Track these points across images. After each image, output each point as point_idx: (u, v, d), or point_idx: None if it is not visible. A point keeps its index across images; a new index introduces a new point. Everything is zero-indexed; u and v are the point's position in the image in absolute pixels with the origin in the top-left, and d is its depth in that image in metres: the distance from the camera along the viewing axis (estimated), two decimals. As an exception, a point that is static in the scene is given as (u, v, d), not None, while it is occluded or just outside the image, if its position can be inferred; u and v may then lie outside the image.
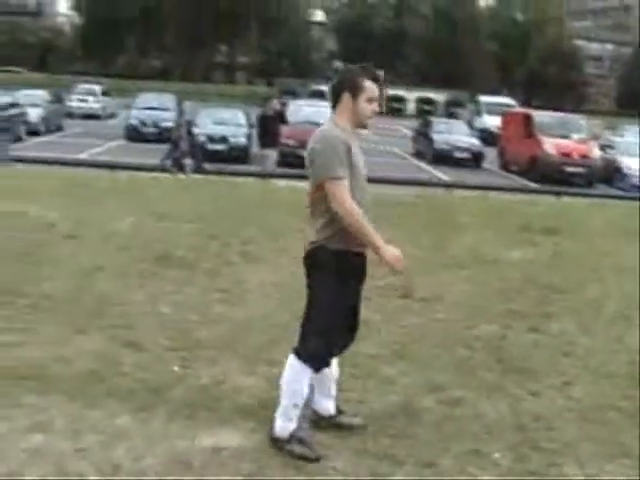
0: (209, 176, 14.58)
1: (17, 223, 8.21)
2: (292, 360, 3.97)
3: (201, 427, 4.19)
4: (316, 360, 3.96)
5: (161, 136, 25.06)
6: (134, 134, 28.01)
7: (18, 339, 5.34)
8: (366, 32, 73.11)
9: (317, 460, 3.91)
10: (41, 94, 30.44)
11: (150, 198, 10.02)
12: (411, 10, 73.18)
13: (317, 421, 4.29)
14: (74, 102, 38.28)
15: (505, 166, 25.98)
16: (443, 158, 25.60)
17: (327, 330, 3.92)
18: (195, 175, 15.18)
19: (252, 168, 18.88)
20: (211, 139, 23.32)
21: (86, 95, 39.07)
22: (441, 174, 22.94)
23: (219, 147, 23.12)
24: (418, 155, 28.11)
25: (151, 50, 74.24)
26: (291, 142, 22.42)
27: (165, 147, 19.36)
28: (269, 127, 16.75)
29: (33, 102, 28.21)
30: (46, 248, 7.50)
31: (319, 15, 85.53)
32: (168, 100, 31.25)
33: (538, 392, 4.98)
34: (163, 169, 15.64)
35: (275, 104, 17.09)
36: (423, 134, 28.34)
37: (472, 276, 7.38)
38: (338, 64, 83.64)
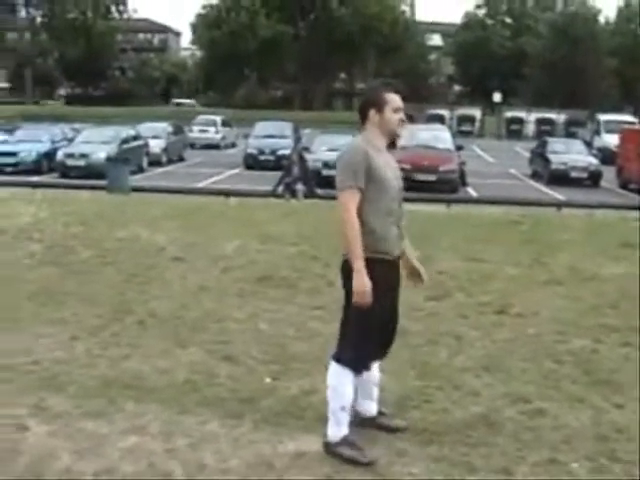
0: (321, 201, 14.88)
1: (129, 247, 8.73)
2: (333, 366, 4.16)
3: (286, 434, 4.41)
4: (355, 364, 4.13)
5: (278, 163, 25.65)
6: (252, 162, 28.86)
7: (124, 352, 5.73)
8: (484, 54, 72.63)
9: (368, 464, 4.04)
10: (163, 126, 31.77)
11: (257, 222, 10.40)
12: (529, 30, 72.17)
13: (360, 422, 4.43)
14: (195, 133, 39.70)
15: (623, 185, 25.29)
16: (560, 178, 25.18)
17: (364, 335, 4.08)
18: (307, 200, 15.53)
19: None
20: (326, 165, 23.75)
21: (206, 126, 40.45)
22: (556, 194, 22.56)
23: (334, 173, 23.40)
24: (535, 176, 27.75)
25: (271, 80, 76.04)
26: (406, 166, 22.64)
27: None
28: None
29: (155, 134, 29.57)
30: (155, 270, 7.94)
31: (436, 39, 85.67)
32: (286, 128, 32.02)
33: (623, 404, 4.94)
34: (275, 195, 16.08)
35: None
36: (539, 154, 27.97)
37: (568, 292, 7.34)
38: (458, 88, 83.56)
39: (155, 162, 28.56)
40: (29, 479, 3.91)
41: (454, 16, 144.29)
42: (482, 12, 78.71)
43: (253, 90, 71.20)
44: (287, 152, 28.25)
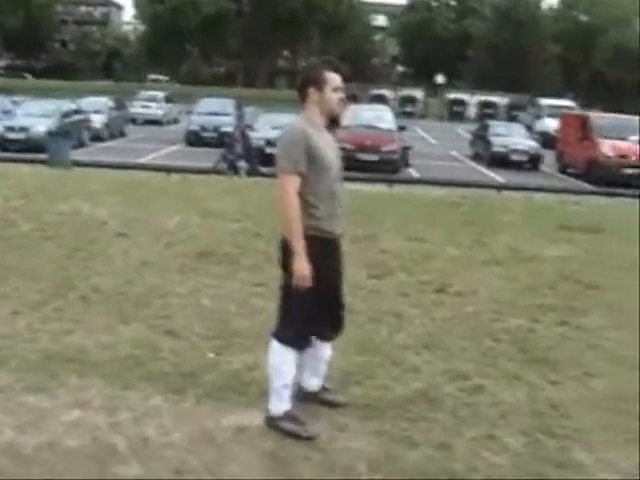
0: (264, 179, 14.85)
1: (71, 221, 8.62)
2: (274, 344, 4.19)
3: (228, 409, 4.45)
4: (296, 341, 4.17)
5: (221, 140, 25.48)
6: (194, 139, 28.63)
7: (66, 327, 5.69)
8: (428, 36, 73.03)
9: (309, 438, 4.11)
10: (104, 101, 31.31)
11: (199, 198, 10.37)
12: (474, 12, 72.77)
13: (303, 397, 4.51)
14: (137, 108, 39.23)
15: (563, 169, 25.78)
16: (500, 161, 25.54)
17: (304, 314, 4.11)
18: (249, 178, 15.48)
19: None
20: (269, 143, 23.72)
21: (149, 102, 39.98)
22: (497, 176, 22.91)
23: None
24: (476, 158, 28.08)
25: (214, 56, 75.34)
26: (348, 146, 22.71)
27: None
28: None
29: (96, 109, 29.10)
30: (97, 245, 7.87)
31: (381, 20, 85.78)
32: (229, 105, 31.83)
33: (559, 382, 5.11)
34: (217, 172, 15.99)
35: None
36: (481, 137, 28.31)
37: (507, 272, 7.51)
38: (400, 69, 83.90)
39: (96, 137, 28.11)
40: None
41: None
42: (427, -7, 79.03)
43: (196, 66, 70.48)
44: (229, 129, 28.23)
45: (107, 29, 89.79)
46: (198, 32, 65.34)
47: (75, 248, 7.75)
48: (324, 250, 4.09)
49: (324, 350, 4.45)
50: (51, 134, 18.29)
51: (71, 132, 23.20)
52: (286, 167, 3.99)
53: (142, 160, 21.99)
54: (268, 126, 24.94)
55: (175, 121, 39.76)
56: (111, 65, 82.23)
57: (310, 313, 4.12)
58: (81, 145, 25.59)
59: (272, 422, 4.21)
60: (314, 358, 4.44)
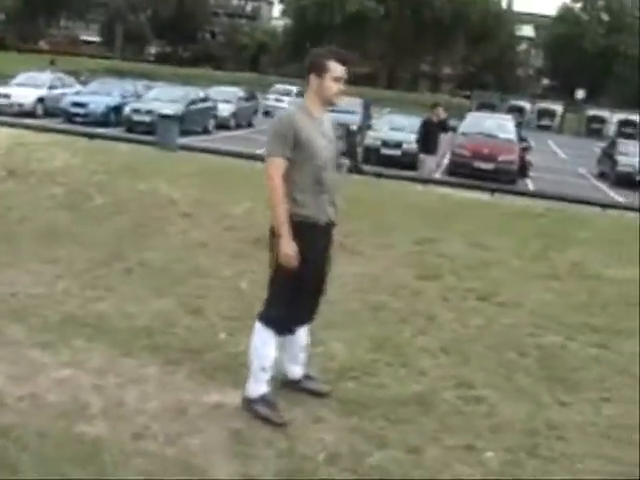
0: (360, 177, 14.84)
1: (143, 199, 8.92)
2: (257, 325, 4.23)
3: (215, 386, 4.52)
4: (278, 325, 4.19)
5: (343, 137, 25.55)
6: (317, 134, 28.92)
7: (98, 295, 5.92)
8: (575, 49, 70.86)
9: (280, 425, 4.10)
10: (234, 91, 32.14)
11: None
12: (627, 28, 70.03)
13: (284, 384, 4.53)
14: (270, 101, 40.10)
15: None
16: (625, 180, 24.51)
17: (287, 297, 4.14)
18: (348, 175, 15.48)
19: (411, 173, 19.00)
20: (385, 144, 23.79)
21: (282, 95, 40.77)
22: (616, 196, 22.01)
23: (393, 152, 23.53)
24: (601, 176, 27.10)
25: (355, 56, 75.70)
26: (465, 152, 22.46)
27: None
28: (430, 134, 16.85)
29: (225, 98, 29.91)
30: (160, 222, 8.12)
31: (527, 30, 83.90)
32: (355, 104, 31.96)
33: (569, 403, 4.86)
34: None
35: (440, 112, 17.10)
36: (608, 155, 27.29)
37: (561, 288, 7.22)
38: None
39: (223, 126, 28.90)
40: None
41: (548, 8, 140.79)
42: (578, 6, 76.62)
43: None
44: (354, 128, 28.40)
45: (256, 23, 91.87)
46: (340, 30, 65.84)
47: (139, 224, 8.03)
48: (308, 236, 4.09)
49: (300, 336, 4.46)
50: (161, 117, 18.86)
51: (192, 118, 24.00)
52: (271, 150, 4.05)
53: (258, 151, 22.41)
54: (387, 127, 25.03)
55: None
56: (257, 58, 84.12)
57: (291, 295, 4.15)
58: (205, 132, 26.40)
59: (248, 404, 4.24)
60: (291, 344, 4.45)
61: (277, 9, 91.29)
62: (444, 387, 4.88)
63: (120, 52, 74.98)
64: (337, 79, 4.11)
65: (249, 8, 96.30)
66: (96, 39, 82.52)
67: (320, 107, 4.19)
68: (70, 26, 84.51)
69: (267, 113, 38.64)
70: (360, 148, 23.89)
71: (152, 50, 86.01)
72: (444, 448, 4.12)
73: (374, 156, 23.51)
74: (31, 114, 25.89)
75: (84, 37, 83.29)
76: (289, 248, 3.99)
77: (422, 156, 17.52)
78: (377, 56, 74.69)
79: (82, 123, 24.12)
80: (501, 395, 4.86)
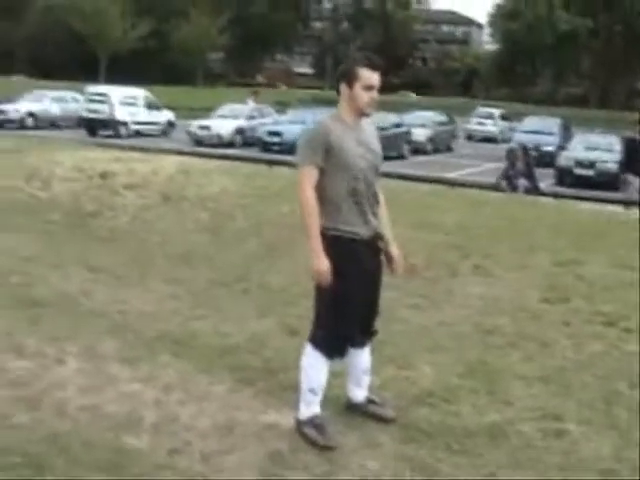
0: (536, 198, 14.23)
1: (281, 221, 8.98)
2: (307, 347, 4.10)
3: (276, 406, 4.47)
4: (326, 346, 4.02)
5: (541, 160, 24.75)
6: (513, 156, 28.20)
7: (203, 313, 6.07)
8: None
9: (325, 448, 3.97)
10: (430, 115, 32.11)
11: (426, 207, 10.30)
12: None
13: (348, 407, 4.40)
14: (472, 125, 39.74)
15: None
16: None
17: (332, 319, 3.97)
18: (525, 196, 14.94)
19: (603, 195, 17.96)
20: (579, 164, 22.86)
21: (485, 119, 40.23)
22: None
23: (586, 172, 22.57)
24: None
25: (566, 76, 73.22)
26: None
27: (544, 171, 20.44)
28: (635, 152, 15.94)
29: (421, 123, 29.98)
30: (292, 245, 8.14)
31: None
32: (554, 125, 31.04)
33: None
34: (496, 188, 15.69)
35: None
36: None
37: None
38: None
39: (419, 150, 28.93)
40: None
41: None
42: None
43: (547, 86, 69.08)
44: (551, 149, 27.45)
45: (467, 48, 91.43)
46: (550, 50, 63.93)
47: (271, 245, 8.16)
48: (347, 251, 3.95)
49: (359, 358, 4.30)
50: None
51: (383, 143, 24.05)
52: (302, 158, 3.96)
53: (450, 174, 22.14)
54: (581, 146, 24.01)
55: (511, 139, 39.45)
56: (468, 83, 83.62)
57: (336, 316, 3.99)
58: (400, 157, 26.48)
59: (298, 426, 4.17)
60: (352, 367, 4.32)
61: (487, 33, 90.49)
62: (525, 418, 4.51)
63: (330, 82, 77.27)
64: (368, 87, 3.94)
65: (459, 33, 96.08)
66: (308, 70, 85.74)
67: (353, 116, 4.03)
68: (285, 60, 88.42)
69: (470, 137, 38.43)
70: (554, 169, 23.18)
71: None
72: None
73: (568, 177, 22.65)
74: (230, 145, 27.27)
75: (298, 69, 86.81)
76: (321, 264, 3.85)
77: (627, 176, 16.63)
78: (588, 75, 71.85)
79: (278, 152, 25.01)
80: (588, 430, 4.40)
